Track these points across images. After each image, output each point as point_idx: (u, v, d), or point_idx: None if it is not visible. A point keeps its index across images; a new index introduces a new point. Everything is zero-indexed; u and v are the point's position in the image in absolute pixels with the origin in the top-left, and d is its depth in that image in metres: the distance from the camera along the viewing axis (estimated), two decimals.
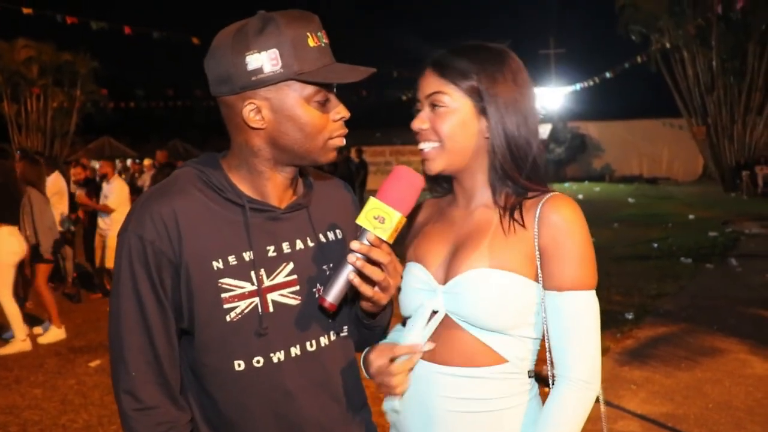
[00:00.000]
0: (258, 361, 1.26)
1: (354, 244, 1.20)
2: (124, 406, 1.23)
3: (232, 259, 1.24)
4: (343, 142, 1.30)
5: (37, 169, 6.55)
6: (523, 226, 1.31)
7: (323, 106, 1.25)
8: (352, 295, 1.30)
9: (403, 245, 1.51)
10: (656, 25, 23.73)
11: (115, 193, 7.65)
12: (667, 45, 23.34)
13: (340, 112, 1.28)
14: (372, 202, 1.20)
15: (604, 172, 29.97)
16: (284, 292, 1.28)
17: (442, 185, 1.48)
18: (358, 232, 1.23)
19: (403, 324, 1.46)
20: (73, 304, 7.63)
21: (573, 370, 1.27)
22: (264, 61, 1.19)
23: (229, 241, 1.25)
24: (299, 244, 1.32)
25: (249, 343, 1.25)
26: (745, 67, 23.01)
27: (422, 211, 1.53)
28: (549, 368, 1.34)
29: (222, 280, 1.23)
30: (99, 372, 5.23)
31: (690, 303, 6.96)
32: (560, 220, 1.28)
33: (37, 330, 6.46)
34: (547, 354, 1.34)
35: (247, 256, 1.25)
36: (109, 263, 7.56)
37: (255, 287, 1.25)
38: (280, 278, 1.28)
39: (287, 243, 1.30)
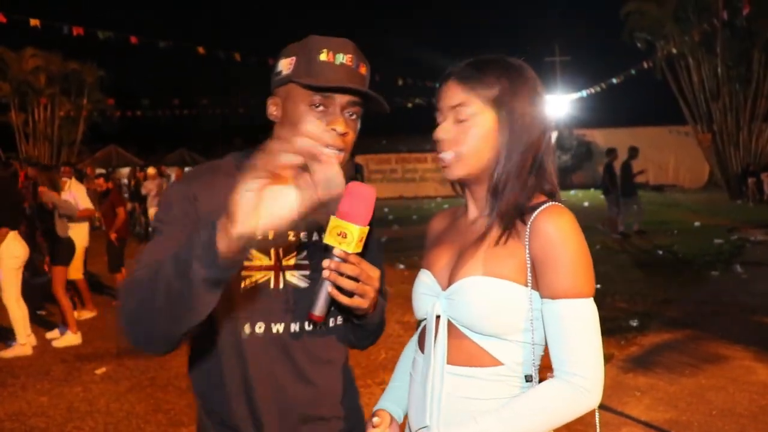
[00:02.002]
0: (260, 327, 1.39)
1: (325, 262, 1.30)
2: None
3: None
4: (334, 154, 1.36)
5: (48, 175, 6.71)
6: (517, 236, 1.34)
7: (320, 113, 1.36)
8: (336, 305, 1.39)
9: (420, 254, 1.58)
10: (661, 32, 23.75)
11: (81, 196, 7.27)
12: (674, 51, 23.34)
13: (333, 123, 1.36)
14: (333, 221, 1.29)
15: None
16: (296, 273, 1.43)
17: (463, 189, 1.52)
18: (326, 250, 1.32)
19: (417, 326, 1.53)
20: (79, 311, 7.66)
21: (571, 374, 1.27)
22: (284, 65, 1.40)
23: None
24: (315, 236, 1.46)
25: (255, 310, 1.39)
26: (750, 74, 22.99)
27: (438, 222, 1.60)
28: (535, 371, 1.37)
29: None
30: (105, 380, 5.27)
31: (695, 310, 6.95)
32: (551, 230, 1.31)
33: (50, 335, 6.54)
34: (539, 358, 1.37)
35: (270, 234, 1.35)
36: (73, 274, 7.10)
37: (272, 262, 1.40)
38: (294, 260, 1.43)
39: (305, 234, 1.44)
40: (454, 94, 1.38)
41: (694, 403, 4.43)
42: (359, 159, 15.77)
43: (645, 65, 23.50)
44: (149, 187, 13.96)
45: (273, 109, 1.43)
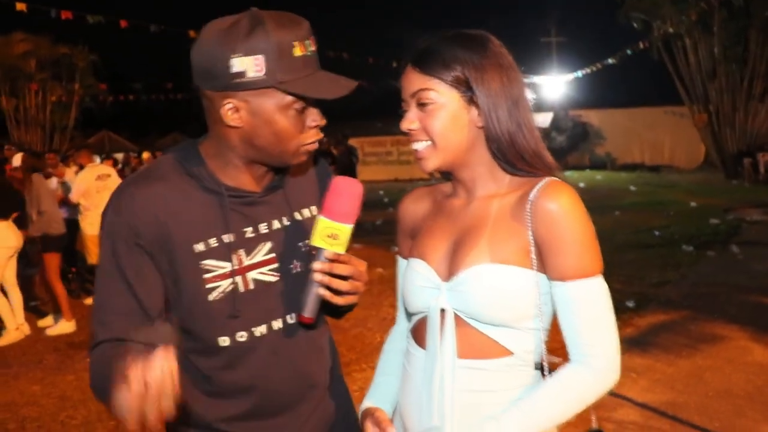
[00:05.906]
0: (242, 336, 1.33)
1: (316, 265, 1.27)
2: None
3: (212, 242, 1.31)
4: (316, 146, 1.34)
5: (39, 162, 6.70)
6: (518, 216, 1.28)
7: (300, 113, 1.28)
8: (326, 304, 1.34)
9: (390, 236, 1.51)
10: (658, 12, 23.56)
11: (75, 185, 7.35)
12: (670, 31, 23.17)
13: (315, 119, 1.31)
14: (322, 222, 1.26)
15: (606, 160, 29.86)
16: (263, 270, 1.35)
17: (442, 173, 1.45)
18: (314, 252, 1.29)
19: (408, 319, 1.44)
20: (72, 299, 7.61)
21: (589, 356, 1.25)
22: (248, 65, 1.21)
23: (209, 224, 1.31)
24: (276, 224, 1.38)
25: (231, 321, 1.32)
26: (747, 54, 22.86)
27: (413, 204, 1.51)
28: (545, 356, 1.31)
29: (203, 262, 1.30)
30: None
31: (691, 291, 6.94)
32: (554, 208, 1.25)
33: (43, 323, 6.50)
34: (543, 343, 1.32)
35: (227, 238, 1.32)
36: (95, 258, 7.41)
37: (234, 267, 1.32)
38: (258, 257, 1.35)
39: (264, 224, 1.36)
40: (413, 81, 1.31)
41: (691, 385, 4.41)
42: (354, 141, 15.61)
43: (641, 45, 23.34)
44: None
45: (232, 114, 1.25)
